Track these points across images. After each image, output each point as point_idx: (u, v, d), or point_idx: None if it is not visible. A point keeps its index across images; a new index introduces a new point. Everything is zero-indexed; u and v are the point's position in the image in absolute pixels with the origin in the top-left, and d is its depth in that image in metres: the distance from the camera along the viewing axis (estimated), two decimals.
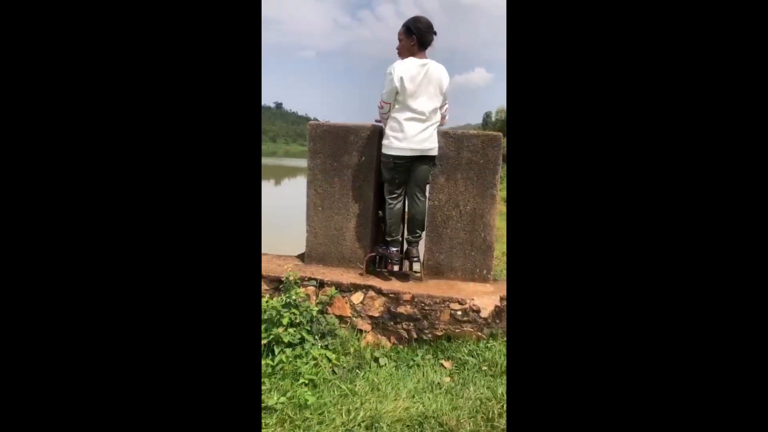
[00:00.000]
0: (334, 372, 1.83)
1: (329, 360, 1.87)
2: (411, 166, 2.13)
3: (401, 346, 2.10)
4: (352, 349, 1.99)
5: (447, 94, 2.13)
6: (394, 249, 2.28)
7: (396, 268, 2.31)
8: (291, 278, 2.08)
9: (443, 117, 2.20)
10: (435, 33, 2.07)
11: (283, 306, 1.96)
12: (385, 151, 2.12)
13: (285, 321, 1.89)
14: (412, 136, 2.04)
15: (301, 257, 2.52)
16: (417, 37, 2.04)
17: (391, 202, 2.20)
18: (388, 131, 2.11)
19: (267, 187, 16.36)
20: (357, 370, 1.85)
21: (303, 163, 2.53)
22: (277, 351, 1.82)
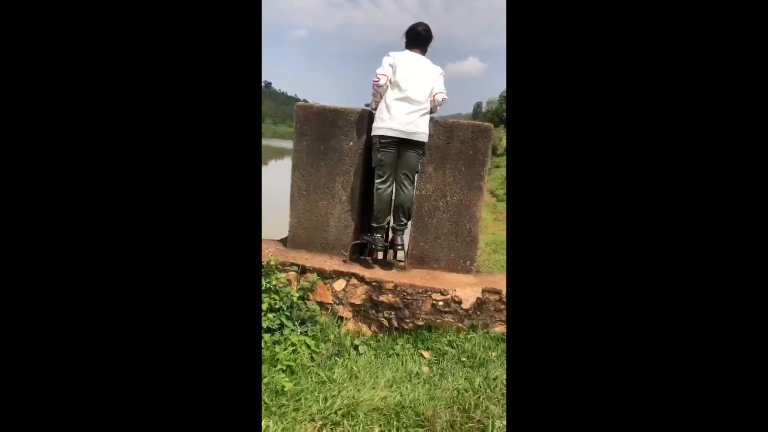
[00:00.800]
0: (312, 359, 1.81)
1: (308, 346, 1.85)
2: (398, 150, 2.10)
3: (382, 335, 2.09)
4: (332, 336, 1.97)
5: (438, 83, 2.15)
6: (378, 235, 2.25)
7: (380, 255, 2.29)
8: (272, 263, 2.04)
9: (437, 104, 2.16)
10: (424, 37, 2.19)
11: (263, 291, 1.92)
12: (372, 132, 2.12)
13: (264, 306, 1.86)
14: (397, 117, 2.05)
15: (283, 242, 2.47)
16: (405, 39, 2.23)
17: (379, 187, 2.16)
18: (376, 114, 2.12)
19: None
20: (336, 358, 1.84)
21: (290, 144, 2.47)
22: None
